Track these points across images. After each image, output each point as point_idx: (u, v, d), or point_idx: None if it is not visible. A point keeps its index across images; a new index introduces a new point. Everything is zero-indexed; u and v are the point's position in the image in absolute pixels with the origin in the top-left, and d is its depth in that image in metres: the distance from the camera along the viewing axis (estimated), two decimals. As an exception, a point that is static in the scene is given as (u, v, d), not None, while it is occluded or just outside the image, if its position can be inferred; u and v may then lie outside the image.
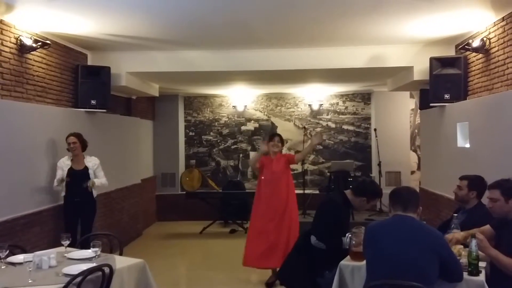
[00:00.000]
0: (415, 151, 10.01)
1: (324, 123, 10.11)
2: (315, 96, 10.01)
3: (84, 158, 5.47)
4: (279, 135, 5.81)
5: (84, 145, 5.43)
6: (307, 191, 9.16)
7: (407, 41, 6.08)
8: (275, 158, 5.60)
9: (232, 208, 9.15)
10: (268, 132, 9.21)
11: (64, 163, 5.33)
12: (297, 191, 9.11)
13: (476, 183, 3.90)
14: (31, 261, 3.24)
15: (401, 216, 2.91)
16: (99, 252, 3.48)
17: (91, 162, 5.52)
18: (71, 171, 5.30)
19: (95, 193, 5.57)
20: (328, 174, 9.42)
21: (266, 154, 5.65)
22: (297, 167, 9.86)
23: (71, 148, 5.28)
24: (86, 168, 5.42)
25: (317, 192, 9.40)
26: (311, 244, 3.90)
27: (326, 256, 3.75)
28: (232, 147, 10.30)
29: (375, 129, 9.40)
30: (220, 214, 9.16)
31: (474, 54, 5.48)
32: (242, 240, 7.23)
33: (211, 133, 10.37)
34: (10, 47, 4.77)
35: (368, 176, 9.41)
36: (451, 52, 6.13)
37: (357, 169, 9.69)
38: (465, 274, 2.90)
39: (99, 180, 5.51)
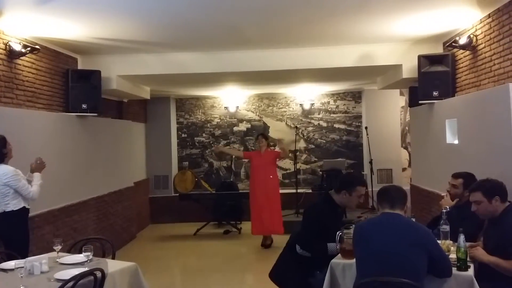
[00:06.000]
0: (406, 148, 10.09)
1: (316, 122, 10.15)
2: (306, 96, 10.04)
3: None
4: (262, 134, 7.75)
5: None
6: (299, 190, 9.19)
7: (395, 39, 6.13)
8: (264, 152, 7.44)
9: (226, 209, 9.15)
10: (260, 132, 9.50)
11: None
12: (290, 190, 9.29)
13: (470, 182, 3.93)
14: (22, 267, 3.23)
15: (388, 214, 2.95)
16: (91, 257, 3.48)
17: None
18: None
19: None
20: (321, 173, 9.45)
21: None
22: (290, 166, 9.91)
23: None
24: None
25: (310, 191, 9.43)
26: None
27: (315, 257, 3.75)
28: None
29: (366, 127, 9.45)
30: (213, 215, 9.15)
31: (461, 51, 5.53)
32: (236, 241, 7.29)
33: (204, 135, 10.38)
34: (-1, 53, 4.76)
35: (360, 174, 9.45)
36: (439, 50, 6.19)
37: (349, 167, 9.72)
38: (454, 270, 2.93)
39: None
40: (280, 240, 6.79)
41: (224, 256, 7.16)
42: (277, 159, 7.75)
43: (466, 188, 3.89)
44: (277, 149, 8.56)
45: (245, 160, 9.71)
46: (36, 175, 4.41)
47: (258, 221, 7.36)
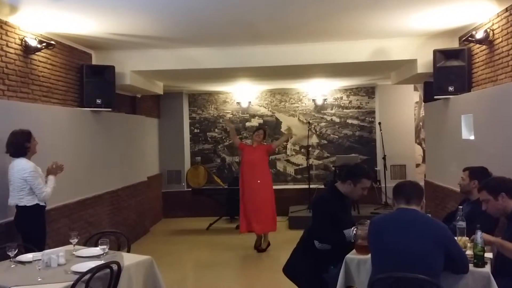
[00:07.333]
0: (420, 144, 10.01)
1: (329, 118, 10.11)
2: (319, 91, 10.00)
3: None
4: (263, 129, 7.45)
5: None
6: (312, 186, 9.17)
7: (410, 34, 6.06)
8: (255, 146, 7.09)
9: (238, 204, 9.14)
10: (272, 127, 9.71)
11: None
12: (302, 186, 9.26)
13: (477, 173, 3.96)
14: (40, 259, 3.28)
15: (404, 209, 2.93)
16: (107, 250, 3.52)
17: None
18: None
19: None
20: (333, 168, 9.42)
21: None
22: (302, 161, 9.89)
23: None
24: None
25: (322, 186, 9.39)
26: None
27: (331, 252, 3.75)
28: (237, 143, 10.30)
29: (379, 123, 9.38)
30: (226, 210, 9.20)
31: (477, 45, 5.45)
32: (249, 236, 7.29)
33: (216, 130, 10.39)
34: (15, 49, 4.81)
35: (373, 170, 9.40)
36: (454, 44, 6.11)
37: (362, 163, 9.67)
38: (470, 266, 2.91)
39: None
40: (284, 237, 6.82)
41: (237, 251, 7.18)
42: (269, 153, 7.25)
43: (473, 179, 3.97)
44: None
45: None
46: (51, 177, 4.43)
47: (246, 218, 7.06)
